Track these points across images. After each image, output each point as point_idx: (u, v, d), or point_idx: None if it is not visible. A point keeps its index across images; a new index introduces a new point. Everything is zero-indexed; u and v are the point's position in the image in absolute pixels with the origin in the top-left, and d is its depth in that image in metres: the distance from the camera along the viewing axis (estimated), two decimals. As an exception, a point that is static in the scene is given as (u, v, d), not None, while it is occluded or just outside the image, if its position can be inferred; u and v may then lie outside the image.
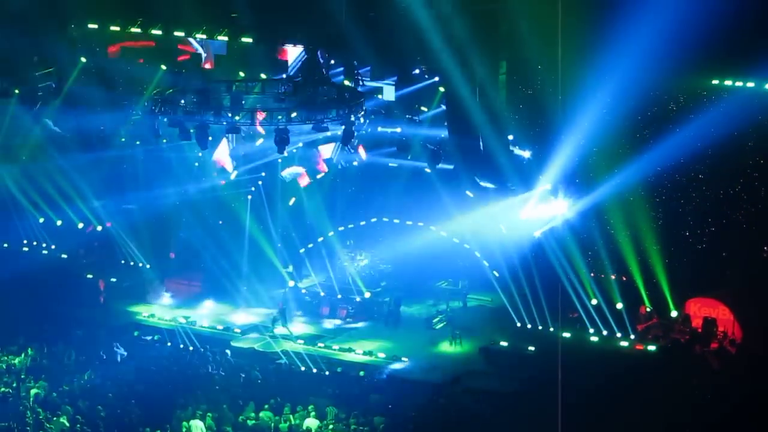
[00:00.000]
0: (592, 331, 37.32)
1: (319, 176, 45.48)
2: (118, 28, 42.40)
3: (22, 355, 35.23)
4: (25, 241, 47.77)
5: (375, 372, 35.51)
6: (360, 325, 41.35)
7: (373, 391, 32.75)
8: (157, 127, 34.55)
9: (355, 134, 35.26)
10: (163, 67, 43.03)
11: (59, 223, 47.66)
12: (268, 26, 39.76)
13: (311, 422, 29.85)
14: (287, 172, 43.36)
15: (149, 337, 39.15)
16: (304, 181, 43.95)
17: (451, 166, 40.18)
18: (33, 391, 31.45)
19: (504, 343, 37.46)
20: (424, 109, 41.47)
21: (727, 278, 37.29)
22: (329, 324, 41.31)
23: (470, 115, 36.42)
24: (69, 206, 46.11)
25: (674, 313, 37.07)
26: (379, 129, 42.15)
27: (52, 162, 44.98)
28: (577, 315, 38.00)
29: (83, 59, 43.88)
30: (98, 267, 45.52)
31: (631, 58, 34.79)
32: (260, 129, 38.63)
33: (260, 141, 44.04)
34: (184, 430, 29.01)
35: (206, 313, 42.29)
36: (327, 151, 41.75)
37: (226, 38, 41.41)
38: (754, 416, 29.00)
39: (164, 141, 44.08)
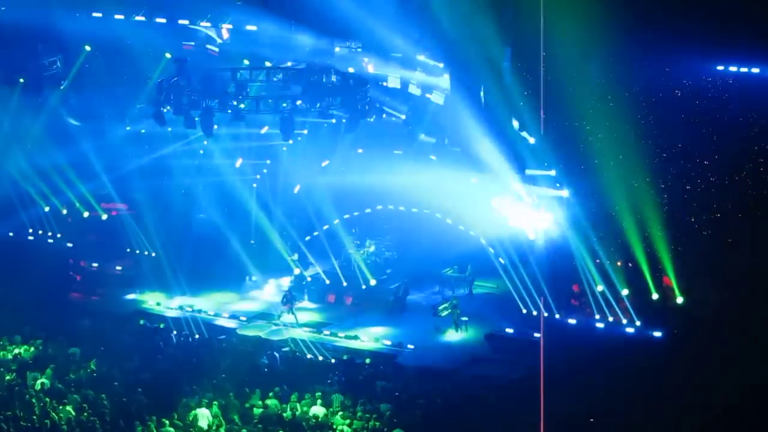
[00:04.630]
0: (597, 317, 37.32)
1: (324, 164, 45.45)
2: (122, 17, 42.42)
3: (29, 344, 35.22)
4: (30, 230, 47.79)
5: (381, 359, 35.54)
6: (365, 312, 41.25)
7: (379, 379, 32.75)
8: (162, 115, 34.54)
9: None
10: (168, 55, 43.05)
11: (65, 211, 47.73)
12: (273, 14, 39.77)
13: (318, 410, 29.81)
14: None
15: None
16: None
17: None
18: (39, 380, 31.44)
19: (510, 330, 37.46)
20: (429, 96, 41.52)
21: (732, 264, 37.24)
22: (335, 311, 41.21)
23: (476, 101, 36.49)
24: (74, 194, 46.19)
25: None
26: (384, 117, 42.17)
27: (57, 150, 45.01)
28: (579, 303, 38.04)
29: (87, 48, 43.92)
30: (102, 255, 45.45)
31: (636, 43, 34.86)
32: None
33: (265, 129, 44.07)
34: (190, 418, 29.00)
35: (212, 301, 42.25)
36: None
37: (230, 26, 41.45)
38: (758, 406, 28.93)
39: (169, 129, 44.12)
